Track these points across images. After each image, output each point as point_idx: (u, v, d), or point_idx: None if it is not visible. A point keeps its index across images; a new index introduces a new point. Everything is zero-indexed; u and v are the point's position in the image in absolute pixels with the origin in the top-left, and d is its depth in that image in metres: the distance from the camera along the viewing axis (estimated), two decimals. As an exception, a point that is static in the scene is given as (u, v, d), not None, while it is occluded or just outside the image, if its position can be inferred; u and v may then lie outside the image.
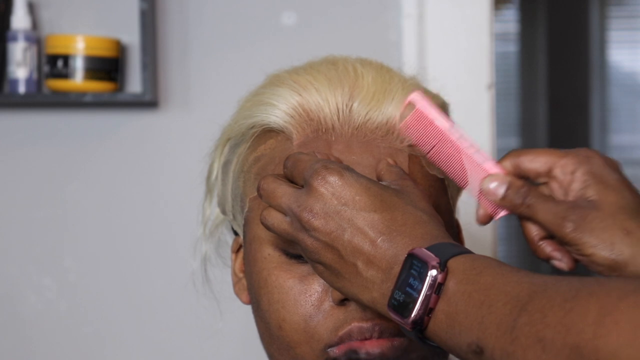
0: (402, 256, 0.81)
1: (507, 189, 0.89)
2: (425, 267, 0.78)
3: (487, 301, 0.75)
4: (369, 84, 0.95)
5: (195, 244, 1.11)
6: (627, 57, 4.66)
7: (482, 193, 0.91)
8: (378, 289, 0.82)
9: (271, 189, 0.87)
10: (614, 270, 0.85)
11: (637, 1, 4.78)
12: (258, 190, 0.89)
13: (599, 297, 0.68)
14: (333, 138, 0.93)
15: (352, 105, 0.94)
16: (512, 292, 0.74)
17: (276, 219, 0.87)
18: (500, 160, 0.92)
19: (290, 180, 0.89)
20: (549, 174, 0.91)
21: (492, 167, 0.90)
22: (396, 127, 0.94)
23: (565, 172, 0.90)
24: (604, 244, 0.85)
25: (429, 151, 0.92)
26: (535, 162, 0.91)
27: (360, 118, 0.93)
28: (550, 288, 0.72)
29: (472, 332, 0.75)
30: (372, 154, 0.92)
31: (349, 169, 0.86)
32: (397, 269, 0.81)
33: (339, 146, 0.93)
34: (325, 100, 0.94)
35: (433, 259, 0.78)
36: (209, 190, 1.06)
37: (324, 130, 0.93)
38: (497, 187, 0.90)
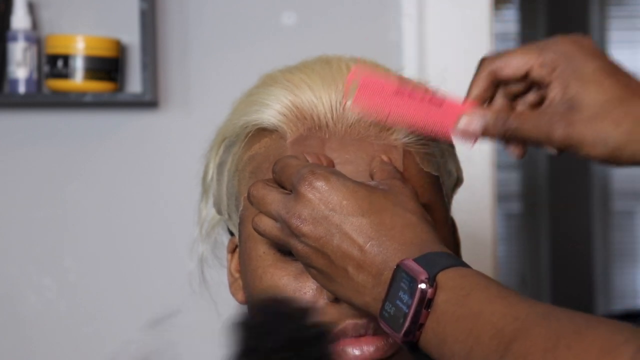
0: (392, 262, 0.81)
1: (484, 123, 0.88)
2: (414, 281, 0.78)
3: (474, 330, 0.75)
4: None
5: (192, 245, 1.11)
6: (627, 57, 4.66)
7: (460, 134, 0.89)
8: (370, 293, 0.82)
9: (260, 195, 0.88)
10: (614, 159, 0.84)
11: (637, 1, 4.78)
12: (248, 196, 0.89)
13: (578, 352, 0.69)
14: (327, 136, 0.93)
15: (345, 103, 0.94)
16: (498, 324, 0.74)
17: (267, 225, 0.88)
18: (476, 73, 0.90)
19: (280, 184, 0.89)
20: (527, 77, 0.88)
21: (459, 106, 0.89)
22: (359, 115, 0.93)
23: (543, 74, 0.88)
24: (596, 141, 0.84)
25: (388, 116, 0.90)
26: (509, 68, 0.88)
27: (353, 116, 0.93)
28: (533, 329, 0.72)
29: (461, 359, 0.76)
30: (366, 152, 0.92)
31: (335, 173, 0.86)
32: (388, 275, 0.81)
33: (333, 144, 0.93)
34: (319, 99, 0.94)
35: (422, 273, 0.79)
36: (204, 191, 1.06)
37: (317, 128, 0.93)
38: (470, 124, 0.88)
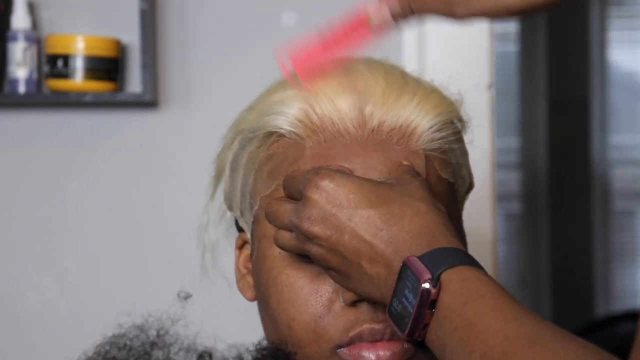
0: (402, 252, 0.82)
1: (390, 10, 0.90)
2: (417, 282, 0.79)
3: (469, 344, 0.77)
4: (383, 86, 0.94)
5: (198, 246, 1.11)
6: (627, 57, 4.66)
7: (378, 29, 0.91)
8: (384, 284, 0.83)
9: (274, 210, 0.89)
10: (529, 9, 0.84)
11: (637, 1, 4.78)
12: (265, 216, 0.91)
13: None
14: (348, 142, 0.93)
15: (365, 108, 0.93)
16: (489, 342, 0.76)
17: (284, 237, 0.89)
18: None
19: (291, 197, 0.90)
20: None
21: (363, 9, 0.92)
22: (409, 128, 0.93)
23: None
24: (497, 4, 0.84)
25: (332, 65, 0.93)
26: None
27: (374, 121, 0.93)
28: (517, 356, 0.74)
29: None
30: (388, 157, 0.92)
31: (340, 171, 0.87)
32: (398, 265, 0.82)
33: (355, 149, 0.92)
34: (339, 105, 0.93)
35: (426, 273, 0.79)
36: (215, 181, 1.06)
37: (338, 135, 0.93)
38: (381, 17, 0.91)
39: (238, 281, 1.03)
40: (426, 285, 0.79)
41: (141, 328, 0.91)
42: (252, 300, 1.01)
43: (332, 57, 0.92)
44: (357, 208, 0.84)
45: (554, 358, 0.73)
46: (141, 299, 1.89)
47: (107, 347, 0.90)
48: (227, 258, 1.09)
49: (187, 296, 1.02)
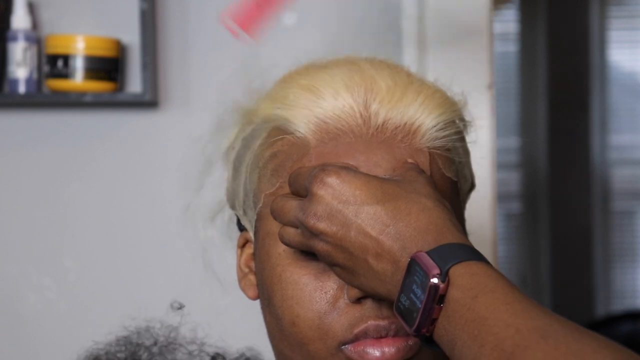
0: (409, 249, 0.82)
1: None
2: (426, 277, 0.79)
3: (479, 338, 0.77)
4: (388, 85, 0.94)
5: (201, 243, 1.11)
6: (627, 57, 4.66)
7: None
8: (390, 281, 0.83)
9: (279, 207, 0.89)
10: None
11: (637, 1, 4.78)
12: (271, 212, 0.90)
13: None
14: (353, 139, 0.93)
15: (370, 106, 0.93)
16: (500, 335, 0.76)
17: (290, 233, 0.89)
18: None
19: (297, 194, 0.90)
20: None
21: None
22: (414, 127, 0.93)
23: None
24: None
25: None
26: None
27: (379, 119, 0.93)
28: (530, 350, 0.74)
29: None
30: (393, 155, 0.92)
31: (346, 167, 0.87)
32: (405, 261, 0.82)
33: (360, 147, 0.92)
34: (345, 103, 0.94)
35: (434, 268, 0.79)
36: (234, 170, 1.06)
37: (343, 133, 0.93)
38: None
39: (240, 280, 1.03)
40: (435, 280, 0.79)
41: (146, 332, 0.90)
42: (254, 299, 1.01)
43: (264, 8, 0.93)
44: (364, 204, 0.84)
45: (568, 350, 0.73)
46: (141, 299, 1.90)
47: (114, 348, 0.90)
48: (226, 259, 1.09)
49: (181, 306, 1.02)
